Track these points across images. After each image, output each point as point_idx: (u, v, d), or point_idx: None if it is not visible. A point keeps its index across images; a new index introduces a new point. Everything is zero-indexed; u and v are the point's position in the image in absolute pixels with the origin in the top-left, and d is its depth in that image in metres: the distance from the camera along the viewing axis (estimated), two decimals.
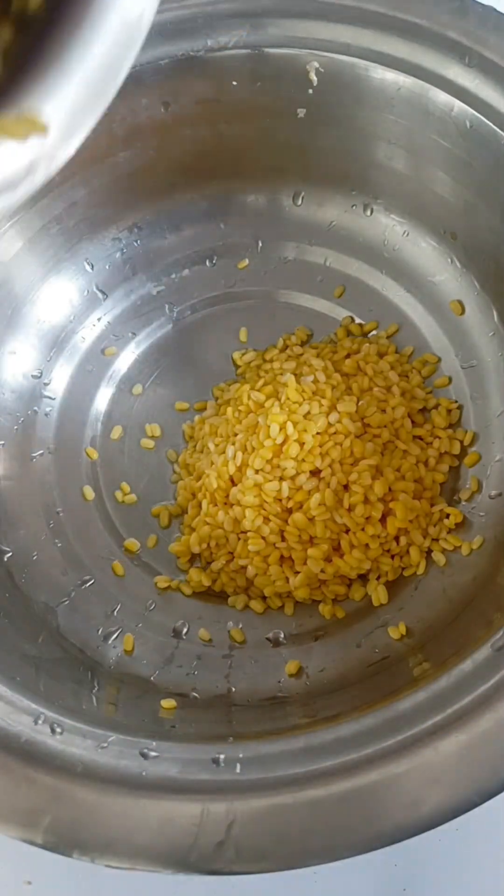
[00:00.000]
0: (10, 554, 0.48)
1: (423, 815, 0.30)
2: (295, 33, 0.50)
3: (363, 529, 0.46)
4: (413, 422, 0.51)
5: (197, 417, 0.53)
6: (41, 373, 0.55)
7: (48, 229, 0.54)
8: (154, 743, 0.34)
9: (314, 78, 0.51)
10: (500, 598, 0.41)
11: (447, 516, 0.48)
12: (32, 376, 0.54)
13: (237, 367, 0.55)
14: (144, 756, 0.34)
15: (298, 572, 0.46)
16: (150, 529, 0.51)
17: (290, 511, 0.47)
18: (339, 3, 0.49)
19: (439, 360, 0.53)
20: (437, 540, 0.48)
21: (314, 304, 0.57)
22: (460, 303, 0.53)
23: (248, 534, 0.47)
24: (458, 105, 0.48)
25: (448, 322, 0.54)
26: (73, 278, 0.56)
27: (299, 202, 0.58)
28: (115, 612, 0.48)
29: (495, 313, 0.51)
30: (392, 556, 0.48)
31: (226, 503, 0.48)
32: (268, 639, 0.47)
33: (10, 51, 0.23)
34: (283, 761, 0.33)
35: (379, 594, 0.47)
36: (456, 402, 0.52)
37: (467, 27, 0.48)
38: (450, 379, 0.52)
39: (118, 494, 0.52)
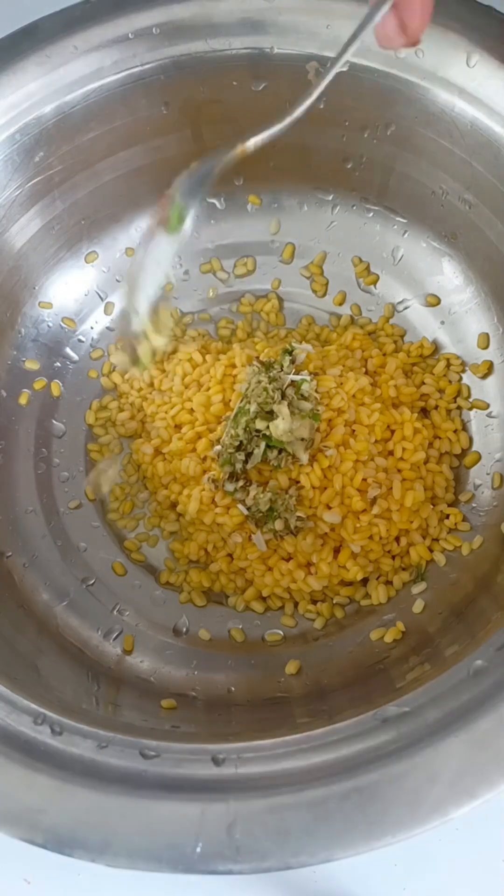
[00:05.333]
0: (10, 554, 0.48)
1: (423, 815, 0.30)
2: (295, 34, 0.50)
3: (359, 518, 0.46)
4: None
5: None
6: (40, 373, 0.55)
7: (50, 228, 0.54)
8: (154, 743, 0.34)
9: (314, 78, 0.51)
10: (500, 598, 0.41)
11: (447, 516, 0.49)
12: (31, 376, 0.54)
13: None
14: (144, 756, 0.34)
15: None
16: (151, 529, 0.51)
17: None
18: (339, 4, 0.49)
19: (438, 354, 0.54)
20: (437, 540, 0.48)
21: (315, 304, 0.58)
22: (461, 303, 0.53)
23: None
24: (459, 105, 0.48)
25: (448, 322, 0.54)
26: (74, 278, 0.56)
27: (299, 202, 0.58)
28: (116, 612, 0.48)
29: (495, 313, 0.52)
30: (392, 557, 0.48)
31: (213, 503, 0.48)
32: (268, 639, 0.47)
33: None
34: (283, 761, 0.33)
35: (379, 594, 0.47)
36: (456, 402, 0.52)
37: (467, 27, 0.48)
38: (450, 380, 0.52)
39: (119, 494, 0.52)
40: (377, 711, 0.34)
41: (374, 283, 0.57)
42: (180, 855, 0.30)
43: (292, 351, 0.49)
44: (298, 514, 0.46)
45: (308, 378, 0.47)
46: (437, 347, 0.54)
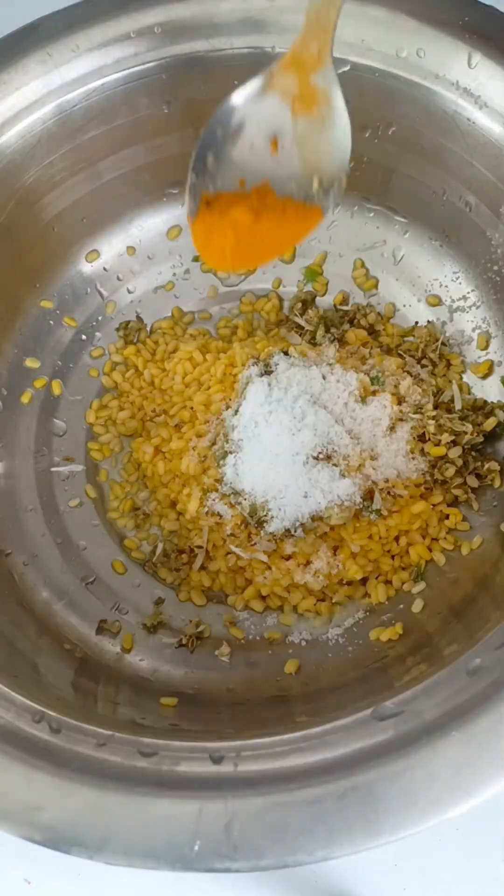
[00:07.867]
0: (9, 552, 0.48)
1: (421, 813, 0.30)
2: (296, 33, 0.50)
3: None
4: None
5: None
6: (41, 372, 0.55)
7: (51, 227, 0.54)
8: (153, 741, 0.34)
9: None
10: (499, 597, 0.41)
11: (447, 516, 0.49)
12: (32, 374, 0.54)
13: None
14: (143, 754, 0.34)
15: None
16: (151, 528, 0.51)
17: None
18: None
19: (437, 345, 0.54)
20: (437, 540, 0.48)
21: (316, 303, 0.57)
22: (461, 303, 0.53)
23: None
24: (459, 104, 0.48)
25: (448, 322, 0.54)
26: (75, 277, 0.56)
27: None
28: (115, 610, 0.48)
29: (495, 313, 0.52)
30: (392, 557, 0.48)
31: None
32: (268, 638, 0.47)
33: None
34: (281, 759, 0.33)
35: (378, 593, 0.47)
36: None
37: (468, 27, 0.48)
38: (450, 380, 0.52)
39: (119, 493, 0.52)
40: (375, 710, 0.34)
41: (375, 286, 0.57)
42: (178, 853, 0.30)
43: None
44: None
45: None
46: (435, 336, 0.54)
